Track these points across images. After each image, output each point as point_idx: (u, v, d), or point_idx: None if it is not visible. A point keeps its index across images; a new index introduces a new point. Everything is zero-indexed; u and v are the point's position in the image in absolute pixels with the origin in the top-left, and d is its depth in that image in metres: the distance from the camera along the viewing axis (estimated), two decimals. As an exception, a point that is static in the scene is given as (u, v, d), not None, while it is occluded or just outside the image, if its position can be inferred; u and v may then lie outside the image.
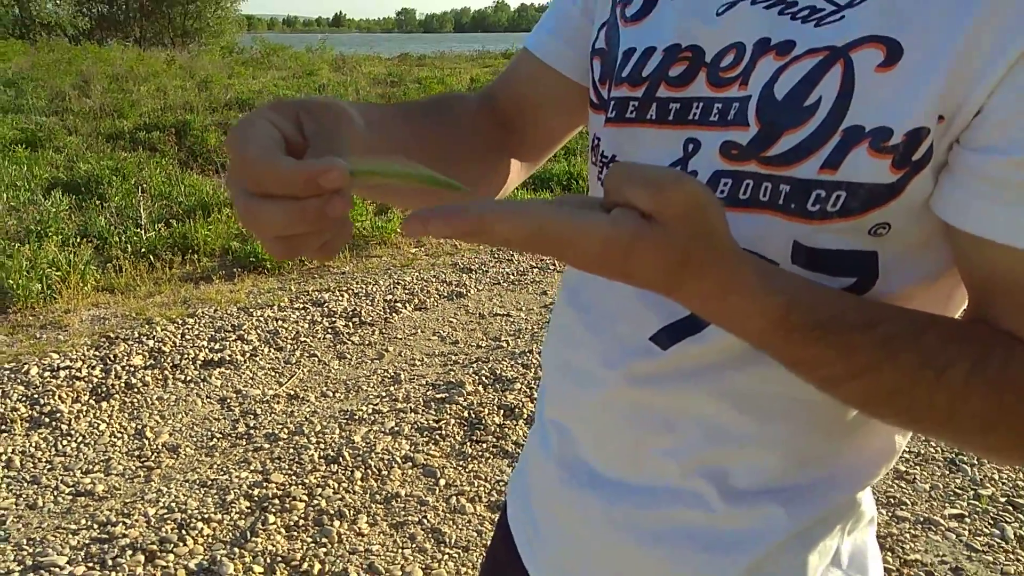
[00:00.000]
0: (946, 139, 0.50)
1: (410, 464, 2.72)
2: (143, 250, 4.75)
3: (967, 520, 2.48)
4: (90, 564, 2.19)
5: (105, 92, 11.45)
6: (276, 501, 2.48)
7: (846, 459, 0.65)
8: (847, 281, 0.56)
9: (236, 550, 2.26)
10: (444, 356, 3.62)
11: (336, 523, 2.40)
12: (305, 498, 2.51)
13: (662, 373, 0.64)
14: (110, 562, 2.20)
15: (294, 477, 2.62)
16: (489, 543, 0.95)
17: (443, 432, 2.92)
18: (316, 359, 3.56)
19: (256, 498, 2.50)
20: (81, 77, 12.58)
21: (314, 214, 0.42)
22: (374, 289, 4.44)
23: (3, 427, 2.91)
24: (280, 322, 3.94)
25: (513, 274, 4.79)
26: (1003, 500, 2.58)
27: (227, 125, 8.88)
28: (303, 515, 2.43)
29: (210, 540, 2.31)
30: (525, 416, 3.04)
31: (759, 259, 0.50)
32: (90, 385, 3.23)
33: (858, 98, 0.51)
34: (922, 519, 2.49)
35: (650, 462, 0.67)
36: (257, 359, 3.54)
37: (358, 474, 2.64)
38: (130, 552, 2.24)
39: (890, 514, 2.51)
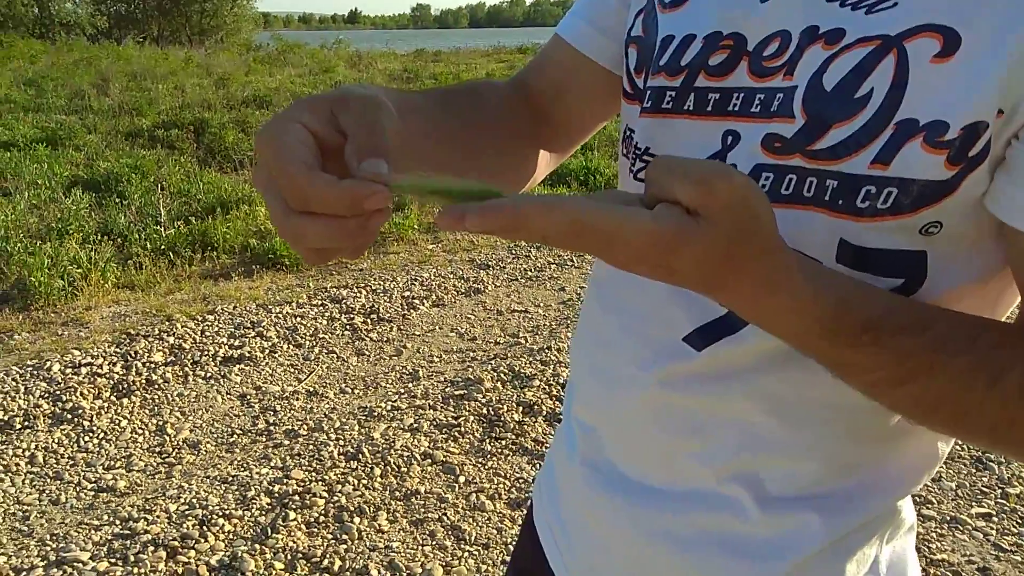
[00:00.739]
0: (1005, 134, 0.48)
1: (429, 461, 2.71)
2: (163, 247, 4.78)
3: (995, 519, 2.44)
4: (112, 560, 2.20)
5: (124, 90, 11.55)
6: (296, 498, 2.49)
7: (887, 466, 0.63)
8: (895, 282, 0.53)
9: (257, 546, 2.27)
10: (462, 352, 3.61)
11: (356, 520, 2.40)
12: (325, 495, 2.51)
13: (696, 375, 0.62)
14: (132, 558, 2.21)
15: (314, 473, 2.62)
16: (515, 544, 0.94)
17: (462, 429, 2.92)
18: (335, 356, 3.57)
19: (276, 494, 2.50)
20: (100, 76, 12.69)
21: (356, 231, 0.42)
22: (392, 286, 4.44)
23: (27, 423, 2.93)
24: (299, 319, 3.95)
25: (531, 270, 4.77)
26: (1032, 499, 2.54)
27: (245, 123, 8.92)
28: (323, 512, 2.43)
29: (231, 536, 2.32)
30: (544, 413, 3.02)
31: (806, 257, 0.48)
32: (111, 382, 3.25)
33: (912, 90, 0.48)
34: (948, 518, 2.45)
35: (683, 466, 0.65)
36: (276, 356, 3.55)
37: (377, 471, 2.64)
38: (152, 548, 2.25)
39: (916, 512, 2.48)
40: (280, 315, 3.98)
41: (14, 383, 3.20)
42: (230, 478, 2.60)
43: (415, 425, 2.93)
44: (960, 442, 2.63)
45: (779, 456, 0.61)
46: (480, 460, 2.73)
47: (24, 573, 2.15)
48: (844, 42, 0.52)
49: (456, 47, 26.98)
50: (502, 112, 0.76)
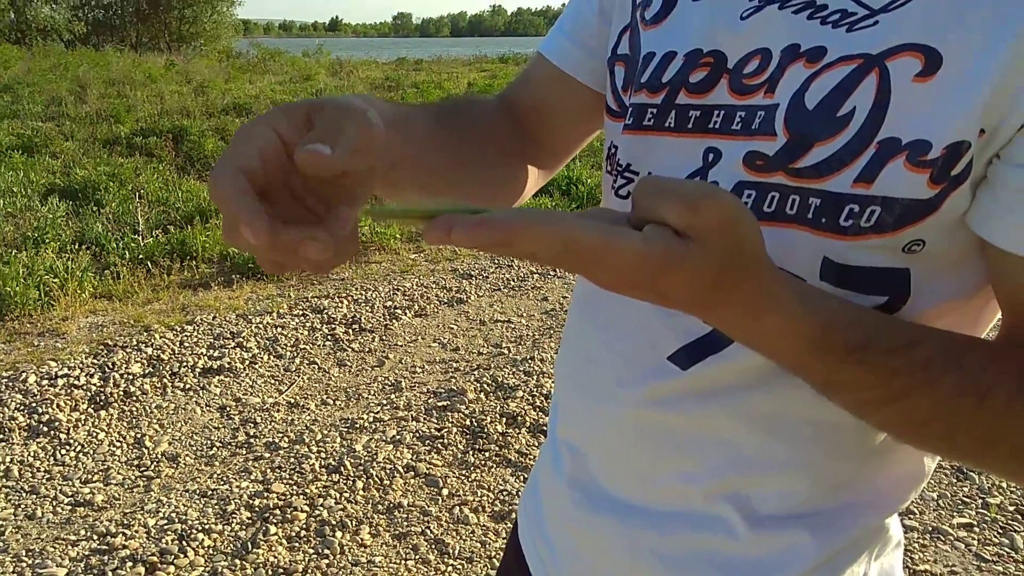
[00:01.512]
0: (986, 153, 0.48)
1: (412, 473, 2.69)
2: (141, 257, 4.72)
3: (976, 529, 2.47)
4: (89, 577, 2.16)
5: (102, 97, 11.42)
6: (277, 511, 2.46)
7: (875, 483, 0.63)
8: (878, 300, 0.53)
9: (237, 562, 2.23)
10: (445, 363, 3.60)
11: (338, 534, 2.37)
12: (307, 508, 2.48)
13: (682, 394, 0.61)
14: (110, 574, 2.17)
15: (295, 487, 2.59)
16: (500, 560, 0.93)
17: (445, 441, 2.90)
18: (316, 366, 3.54)
19: (257, 508, 2.47)
20: (77, 82, 12.55)
21: (285, 253, 0.42)
22: (374, 296, 4.42)
23: (1, 436, 2.88)
24: (279, 329, 3.91)
25: (513, 280, 4.77)
26: (1012, 509, 2.56)
27: (224, 130, 8.86)
28: (304, 526, 2.40)
29: (211, 551, 2.28)
30: (528, 424, 3.01)
31: (794, 277, 0.48)
32: (88, 393, 3.20)
33: (894, 109, 0.48)
34: (931, 528, 2.47)
35: (670, 486, 0.65)
36: (256, 367, 3.51)
37: (360, 484, 2.62)
38: (130, 564, 2.21)
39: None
40: (260, 325, 3.95)
41: (-12, 395, 3.14)
42: (210, 492, 2.56)
43: (398, 437, 2.91)
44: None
45: (767, 475, 0.61)
46: (463, 472, 2.71)
47: (-3, 591, 2.11)
48: (826, 60, 0.52)
49: (437, 56, 27.00)
50: (492, 127, 0.76)
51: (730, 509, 0.62)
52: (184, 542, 2.30)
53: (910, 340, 0.48)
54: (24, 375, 3.30)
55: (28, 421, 2.98)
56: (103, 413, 3.06)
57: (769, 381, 0.58)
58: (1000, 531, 2.45)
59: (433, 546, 2.34)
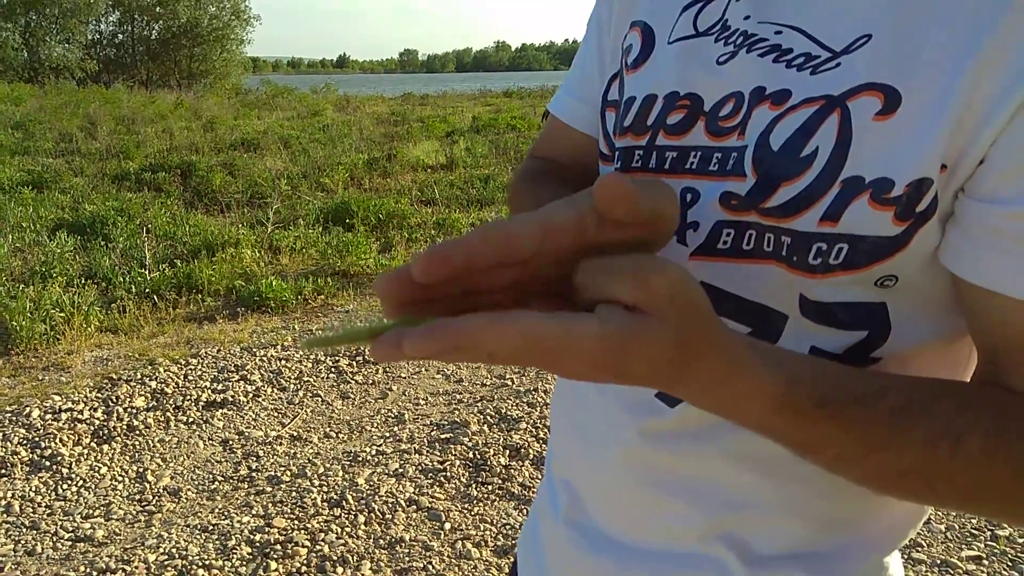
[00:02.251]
0: (951, 188, 0.48)
1: (414, 507, 2.67)
2: (147, 290, 4.75)
3: (985, 562, 2.42)
4: (88, 613, 2.14)
5: (111, 134, 11.59)
6: (278, 547, 2.44)
7: (871, 522, 0.62)
8: (859, 335, 0.53)
9: (237, 598, 2.21)
10: (448, 395, 3.59)
11: (339, 569, 2.35)
12: (308, 544, 2.46)
13: (672, 432, 0.61)
14: (108, 611, 2.15)
15: (296, 522, 2.57)
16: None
17: (448, 474, 2.88)
18: (319, 399, 3.53)
19: (258, 544, 2.45)
20: (88, 119, 12.74)
21: None
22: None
23: (3, 471, 2.87)
24: (283, 362, 3.91)
25: (517, 312, 4.77)
26: (1021, 541, 2.52)
27: (232, 165, 8.96)
28: (305, 561, 2.38)
29: (211, 587, 2.26)
30: (531, 457, 2.99)
31: (751, 338, 0.47)
32: (91, 428, 3.20)
33: (856, 148, 0.49)
34: (939, 561, 2.43)
35: (665, 526, 0.64)
36: (260, 400, 3.51)
37: (361, 518, 2.60)
38: (129, 601, 2.19)
39: (906, 556, 2.46)
40: (265, 358, 3.95)
41: (-9, 430, 3.14)
42: (211, 527, 2.54)
43: (400, 470, 2.90)
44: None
45: (761, 515, 0.61)
46: (466, 506, 2.69)
47: (-5, 628, 2.09)
48: (790, 103, 0.52)
49: (443, 90, 27.35)
50: (564, 175, 0.79)
51: (725, 549, 0.62)
52: (184, 578, 2.28)
53: (877, 390, 0.47)
54: (28, 409, 3.30)
55: (31, 456, 2.97)
56: (106, 447, 3.06)
57: None
58: (1009, 564, 2.41)
59: (435, 581, 2.32)
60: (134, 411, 3.34)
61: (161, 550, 2.41)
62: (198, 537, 2.48)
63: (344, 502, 2.68)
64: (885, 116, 0.48)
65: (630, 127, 0.63)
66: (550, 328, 0.35)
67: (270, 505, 2.66)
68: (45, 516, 2.61)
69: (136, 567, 2.33)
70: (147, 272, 4.97)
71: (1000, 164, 0.46)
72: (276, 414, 3.38)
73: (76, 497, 2.73)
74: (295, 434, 3.20)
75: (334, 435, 3.20)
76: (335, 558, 2.39)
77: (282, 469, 2.91)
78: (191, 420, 3.30)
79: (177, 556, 2.38)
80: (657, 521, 0.65)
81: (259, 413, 3.38)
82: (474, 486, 2.81)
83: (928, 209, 0.48)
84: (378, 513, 2.63)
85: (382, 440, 3.14)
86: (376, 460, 2.98)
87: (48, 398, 3.43)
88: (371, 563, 2.38)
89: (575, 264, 0.40)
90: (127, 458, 2.99)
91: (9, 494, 2.72)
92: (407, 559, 2.41)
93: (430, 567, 2.37)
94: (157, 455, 3.02)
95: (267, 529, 2.52)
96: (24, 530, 2.53)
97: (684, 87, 0.60)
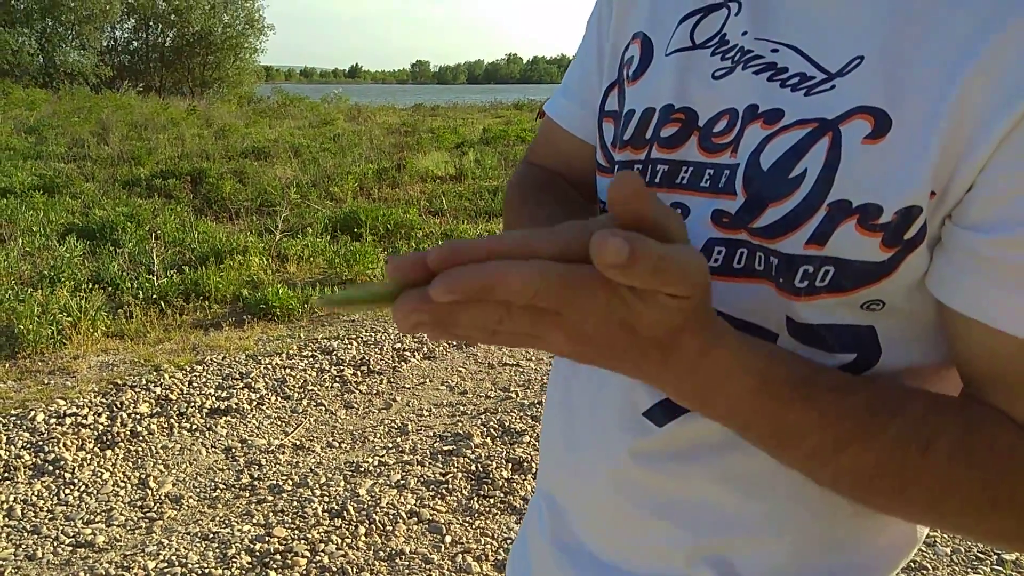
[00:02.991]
0: (939, 214, 0.48)
1: (415, 520, 2.66)
2: (154, 296, 4.76)
3: (991, 586, 2.40)
4: (86, 620, 2.14)
5: (124, 139, 11.67)
6: (278, 556, 2.43)
7: (866, 545, 0.61)
8: (847, 357, 0.53)
9: (236, 607, 2.20)
10: (452, 407, 3.58)
11: (339, 580, 2.33)
12: (307, 554, 2.45)
13: (660, 452, 0.61)
14: (106, 618, 2.14)
15: (297, 531, 2.56)
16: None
17: (450, 486, 2.87)
18: (323, 408, 3.53)
19: (258, 553, 2.44)
20: (101, 124, 12.83)
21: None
22: (383, 337, 4.43)
23: (6, 475, 2.88)
24: (288, 370, 3.92)
25: (523, 324, 4.76)
26: (1028, 566, 2.49)
27: (243, 173, 9.00)
28: (304, 572, 2.37)
29: (209, 596, 2.25)
30: (534, 471, 2.98)
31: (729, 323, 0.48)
32: (95, 433, 3.20)
33: (844, 171, 0.48)
34: (944, 585, 2.41)
35: (652, 547, 0.64)
36: (264, 408, 3.51)
37: (362, 529, 2.59)
38: (127, 608, 2.18)
39: (910, 579, 2.43)
40: (269, 366, 3.95)
41: (-4, 433, 3.15)
42: (211, 535, 2.54)
43: (402, 482, 2.89)
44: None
45: (749, 537, 0.60)
46: (467, 519, 2.68)
47: (-7, 633, 2.09)
48: (783, 123, 0.52)
49: (454, 102, 27.44)
50: (562, 193, 0.79)
51: (712, 573, 0.61)
52: (183, 586, 2.28)
53: (851, 385, 0.48)
54: (32, 413, 3.31)
55: (34, 460, 2.98)
56: (109, 453, 3.06)
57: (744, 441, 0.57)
58: (1017, 589, 2.38)
59: (434, 594, 2.30)
60: (138, 417, 3.34)
61: (161, 557, 2.41)
62: (198, 545, 2.48)
63: (345, 513, 2.67)
64: (875, 140, 0.48)
65: (629, 140, 0.63)
66: (568, 267, 0.36)
67: (271, 514, 2.66)
68: (47, 521, 2.61)
69: (136, 573, 2.33)
70: (155, 278, 4.99)
71: (985, 191, 0.46)
72: (279, 422, 3.38)
73: (78, 502, 2.73)
74: (298, 443, 3.19)
75: (337, 445, 3.19)
76: (334, 569, 2.38)
77: (284, 478, 2.90)
78: (195, 427, 3.30)
79: (177, 564, 2.38)
80: (643, 542, 0.64)
81: (263, 421, 3.38)
82: (476, 499, 2.80)
83: (916, 236, 0.48)
84: (379, 524, 2.62)
85: (384, 451, 3.13)
86: (378, 471, 2.97)
87: (53, 402, 3.44)
88: (370, 575, 2.37)
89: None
90: (130, 464, 2.99)
91: (11, 498, 2.73)
92: (407, 572, 2.40)
93: (430, 580, 2.36)
94: (160, 462, 3.02)
95: (267, 538, 2.51)
96: (25, 534, 2.53)
97: (679, 100, 0.59)
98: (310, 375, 3.88)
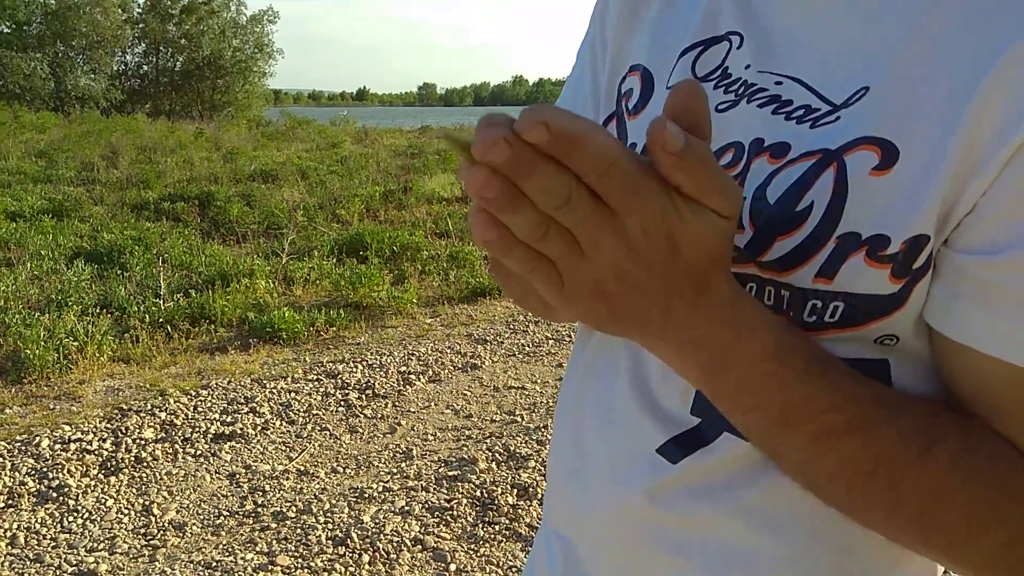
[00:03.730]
0: (939, 239, 0.47)
1: (420, 547, 2.63)
2: (161, 320, 4.77)
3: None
4: (87, 651, 2.12)
5: (133, 163, 11.77)
6: (281, 585, 2.41)
7: None
8: None
9: (238, 638, 2.18)
10: (457, 431, 3.56)
11: (342, 609, 2.31)
12: (311, 582, 2.43)
13: (674, 490, 0.59)
14: (108, 649, 2.12)
15: (300, 560, 2.54)
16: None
17: (454, 513, 2.84)
18: (328, 433, 3.52)
19: (261, 581, 2.42)
20: (110, 148, 12.95)
21: None
22: (388, 360, 4.42)
23: (10, 502, 2.87)
24: (293, 394, 3.91)
25: (528, 345, 4.75)
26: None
27: (250, 196, 9.05)
28: (308, 600, 2.35)
29: (211, 626, 2.23)
30: (540, 496, 2.95)
31: None
32: (100, 459, 3.19)
33: (852, 203, 0.48)
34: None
35: None
36: (268, 433, 3.50)
37: (366, 557, 2.56)
38: (129, 638, 2.16)
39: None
40: (274, 390, 3.94)
41: (0, 460, 3.15)
42: (214, 563, 2.52)
43: (406, 508, 2.86)
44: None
45: (766, 574, 0.59)
46: (472, 547, 2.65)
47: (-7, 664, 2.07)
48: (789, 156, 0.52)
49: (460, 123, 27.61)
50: None
51: None
52: (185, 615, 2.26)
53: (858, 374, 0.49)
54: (37, 439, 3.31)
55: (38, 487, 2.97)
56: (113, 479, 3.05)
57: (761, 474, 0.56)
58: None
59: (439, 624, 2.28)
60: (143, 442, 3.34)
61: (163, 586, 2.39)
62: (201, 574, 2.46)
63: (349, 540, 2.65)
64: (882, 171, 0.47)
65: None
66: (636, 156, 0.37)
67: (274, 542, 2.64)
68: (50, 549, 2.60)
69: (137, 603, 2.31)
70: (161, 302, 5.01)
71: (987, 214, 0.45)
72: (284, 447, 3.36)
73: (81, 530, 2.71)
74: (302, 468, 3.18)
75: (341, 470, 3.17)
76: (338, 598, 2.36)
77: (288, 505, 2.88)
78: (199, 452, 3.29)
79: (179, 593, 2.36)
80: None
81: (267, 446, 3.37)
82: (481, 526, 2.77)
83: (924, 265, 0.47)
84: (383, 552, 2.59)
85: (389, 476, 3.11)
86: (383, 497, 2.95)
87: (58, 428, 3.44)
88: (374, 604, 2.35)
89: None
90: (134, 490, 2.98)
91: (15, 525, 2.72)
92: (411, 601, 2.37)
93: (434, 609, 2.33)
94: (164, 488, 3.00)
95: (270, 567, 2.49)
96: (28, 563, 2.52)
97: None
98: (315, 399, 3.87)
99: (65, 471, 3.07)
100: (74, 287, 5.14)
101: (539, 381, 4.20)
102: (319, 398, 3.88)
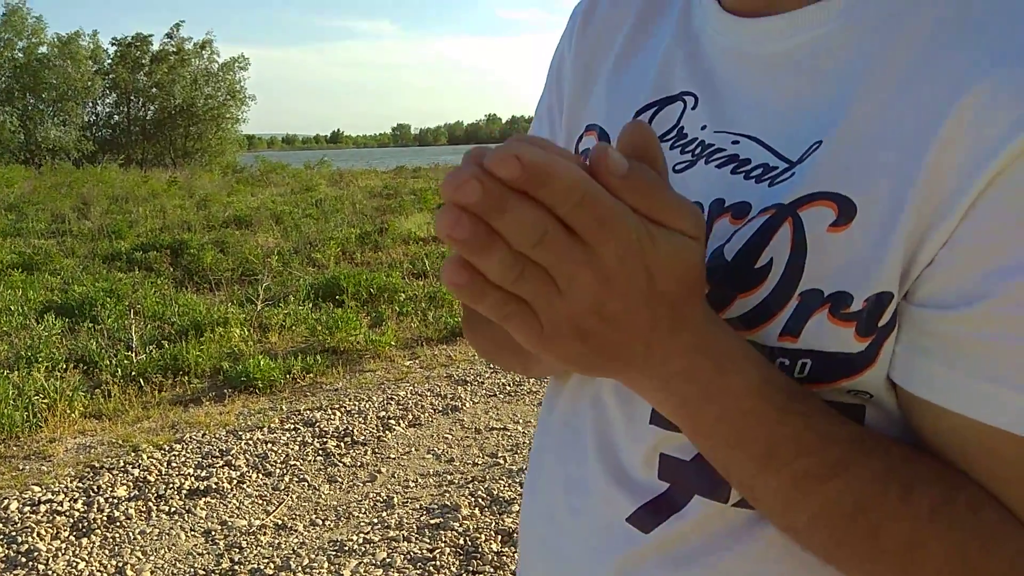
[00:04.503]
0: (900, 293, 0.47)
1: (403, 599, 2.57)
2: (133, 373, 4.68)
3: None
4: None
5: (104, 213, 11.68)
6: (260, 646, 2.33)
7: None
8: None
9: None
10: (439, 476, 3.50)
11: (323, 669, 2.24)
12: (291, 642, 2.35)
13: (649, 561, 0.58)
14: None
15: (280, 618, 2.47)
16: None
17: (437, 563, 2.78)
18: (306, 483, 3.44)
19: (238, 643, 2.34)
20: (82, 199, 12.86)
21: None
22: (367, 406, 4.36)
23: (-25, 570, 2.77)
24: (270, 445, 3.83)
25: (509, 384, 4.72)
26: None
27: (224, 243, 8.99)
28: (288, 661, 2.27)
29: None
30: (523, 540, 2.90)
31: None
32: (71, 520, 3.10)
33: (812, 260, 0.47)
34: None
35: None
36: (244, 486, 3.42)
37: (348, 612, 2.50)
38: None
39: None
40: (250, 441, 3.87)
41: (-34, 525, 3.04)
42: (190, 626, 2.44)
43: (388, 560, 2.80)
44: None
45: None
46: (456, 596, 2.59)
47: None
48: (750, 215, 0.51)
49: (435, 163, 27.78)
50: None
51: None
52: None
53: (837, 414, 0.48)
54: (6, 502, 3.21)
55: (5, 552, 2.87)
56: (84, 541, 2.96)
57: (737, 539, 0.54)
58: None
59: None
60: (115, 501, 3.25)
61: (136, 653, 2.31)
62: (176, 638, 2.38)
63: (329, 595, 2.58)
64: (839, 228, 0.47)
65: None
66: (608, 192, 0.36)
67: (252, 600, 2.56)
68: (17, 618, 2.50)
69: (109, 673, 2.22)
70: (134, 355, 4.92)
71: (946, 265, 0.45)
72: (261, 501, 3.29)
73: (50, 596, 2.62)
74: (280, 522, 3.10)
75: (320, 522, 3.10)
76: (319, 658, 2.29)
77: (266, 561, 2.81)
78: (173, 510, 3.21)
79: (153, 660, 2.27)
80: None
81: (243, 500, 3.29)
82: (465, 575, 2.71)
83: (890, 322, 0.47)
84: (365, 606, 2.52)
85: (369, 527, 3.05)
86: (363, 549, 2.88)
87: (27, 489, 3.34)
88: (357, 662, 2.28)
89: None
90: (106, 552, 2.89)
91: (-20, 595, 2.62)
92: (394, 657, 2.30)
93: (419, 665, 2.27)
94: (137, 548, 2.91)
95: (248, 627, 2.42)
96: (-6, 634, 2.42)
97: None
98: (292, 449, 3.79)
99: (35, 534, 2.98)
100: (44, 342, 5.04)
101: (521, 421, 4.16)
102: (296, 448, 3.81)
